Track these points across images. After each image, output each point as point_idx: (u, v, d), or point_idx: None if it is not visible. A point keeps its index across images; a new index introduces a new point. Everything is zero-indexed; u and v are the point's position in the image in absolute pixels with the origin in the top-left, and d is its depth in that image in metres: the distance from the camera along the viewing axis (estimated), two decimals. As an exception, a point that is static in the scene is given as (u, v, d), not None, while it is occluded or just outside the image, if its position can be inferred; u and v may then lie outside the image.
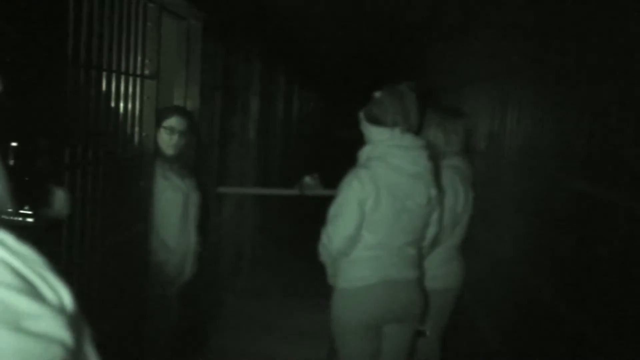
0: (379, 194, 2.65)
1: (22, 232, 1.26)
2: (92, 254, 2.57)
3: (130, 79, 2.93)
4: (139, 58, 3.02)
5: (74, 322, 0.91)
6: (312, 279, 4.28)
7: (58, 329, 0.84)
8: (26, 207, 1.22)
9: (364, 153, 2.79)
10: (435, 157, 3.20)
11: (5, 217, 1.11)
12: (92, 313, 2.41)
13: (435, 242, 2.95)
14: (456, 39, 5.05)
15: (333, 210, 2.72)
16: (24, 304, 0.81)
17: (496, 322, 3.60)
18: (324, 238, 2.74)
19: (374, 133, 2.77)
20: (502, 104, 3.73)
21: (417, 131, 2.88)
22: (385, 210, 2.67)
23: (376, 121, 2.75)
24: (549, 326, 2.89)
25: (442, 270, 3.17)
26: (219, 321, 4.85)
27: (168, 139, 3.14)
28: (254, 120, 6.11)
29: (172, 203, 3.15)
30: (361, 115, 2.83)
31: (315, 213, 3.52)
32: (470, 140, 3.49)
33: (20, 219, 1.22)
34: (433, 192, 2.78)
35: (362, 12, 6.22)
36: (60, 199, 1.34)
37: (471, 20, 4.34)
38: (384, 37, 7.54)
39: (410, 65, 8.64)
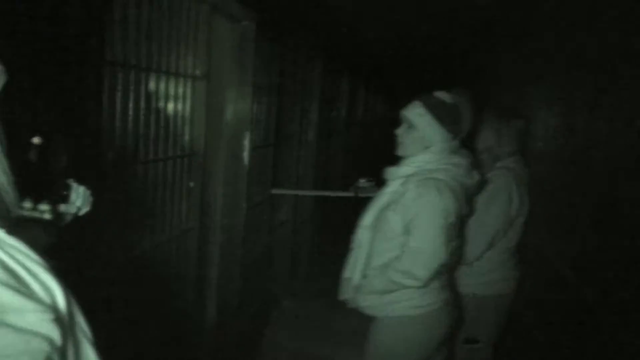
0: (458, 209, 2.44)
1: (44, 228, 1.26)
2: (132, 250, 2.61)
3: (181, 80, 2.96)
4: (190, 59, 3.05)
5: (65, 320, 0.89)
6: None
7: (44, 325, 0.82)
8: (44, 203, 1.22)
9: (417, 161, 2.50)
10: (491, 158, 3.12)
11: (22, 212, 1.11)
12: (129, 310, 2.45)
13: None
14: (518, 36, 4.90)
15: (419, 237, 2.40)
16: (9, 297, 0.80)
17: (547, 328, 3.46)
18: (413, 269, 2.39)
19: (439, 139, 2.48)
20: (563, 103, 3.58)
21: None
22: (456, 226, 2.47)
23: (449, 128, 2.48)
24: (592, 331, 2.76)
25: (494, 276, 3.06)
26: (276, 323, 4.85)
27: None
28: (314, 122, 6.09)
29: None
30: (424, 109, 2.50)
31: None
32: (527, 140, 3.36)
33: (37, 214, 1.23)
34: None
35: (423, 8, 6.11)
36: (80, 196, 1.34)
37: (534, 17, 4.20)
38: (446, 36, 7.39)
39: (472, 65, 8.46)
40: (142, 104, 2.59)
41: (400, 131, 2.58)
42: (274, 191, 4.47)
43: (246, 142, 3.80)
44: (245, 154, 3.81)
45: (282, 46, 4.48)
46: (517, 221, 3.04)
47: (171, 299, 2.99)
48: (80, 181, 1.35)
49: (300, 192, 5.14)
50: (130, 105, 2.49)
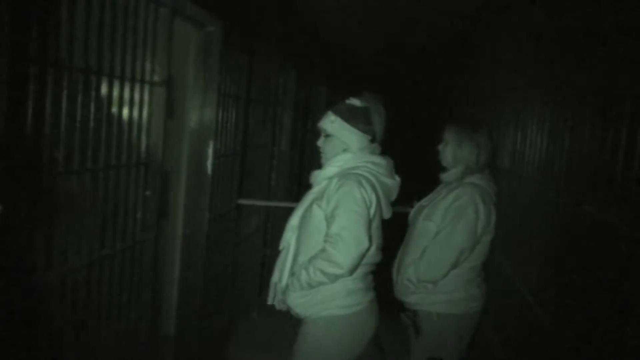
0: (377, 204, 2.60)
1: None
2: (92, 260, 2.48)
3: (137, 86, 2.84)
4: (148, 64, 2.93)
5: None
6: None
7: None
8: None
9: (338, 161, 2.65)
10: (461, 173, 3.02)
11: None
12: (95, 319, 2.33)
13: None
14: (480, 49, 4.84)
15: (339, 224, 2.47)
16: None
17: (511, 349, 3.36)
18: (335, 255, 2.45)
19: (355, 140, 2.67)
20: (524, 119, 3.48)
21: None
22: (377, 223, 2.64)
23: (363, 129, 2.67)
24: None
25: (460, 294, 2.96)
26: (243, 337, 4.74)
27: None
28: (287, 131, 5.99)
29: None
30: (334, 116, 2.70)
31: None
32: (494, 156, 3.27)
33: None
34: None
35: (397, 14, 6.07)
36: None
37: (496, 32, 4.14)
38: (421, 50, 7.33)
39: (440, 75, 8.43)
40: (92, 110, 2.47)
41: (320, 142, 2.76)
42: (241, 201, 4.36)
43: (210, 151, 3.68)
44: (209, 163, 3.69)
45: (253, 53, 4.38)
46: (483, 239, 2.95)
47: (125, 313, 2.86)
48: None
49: (268, 203, 5.02)
50: (78, 111, 2.37)
